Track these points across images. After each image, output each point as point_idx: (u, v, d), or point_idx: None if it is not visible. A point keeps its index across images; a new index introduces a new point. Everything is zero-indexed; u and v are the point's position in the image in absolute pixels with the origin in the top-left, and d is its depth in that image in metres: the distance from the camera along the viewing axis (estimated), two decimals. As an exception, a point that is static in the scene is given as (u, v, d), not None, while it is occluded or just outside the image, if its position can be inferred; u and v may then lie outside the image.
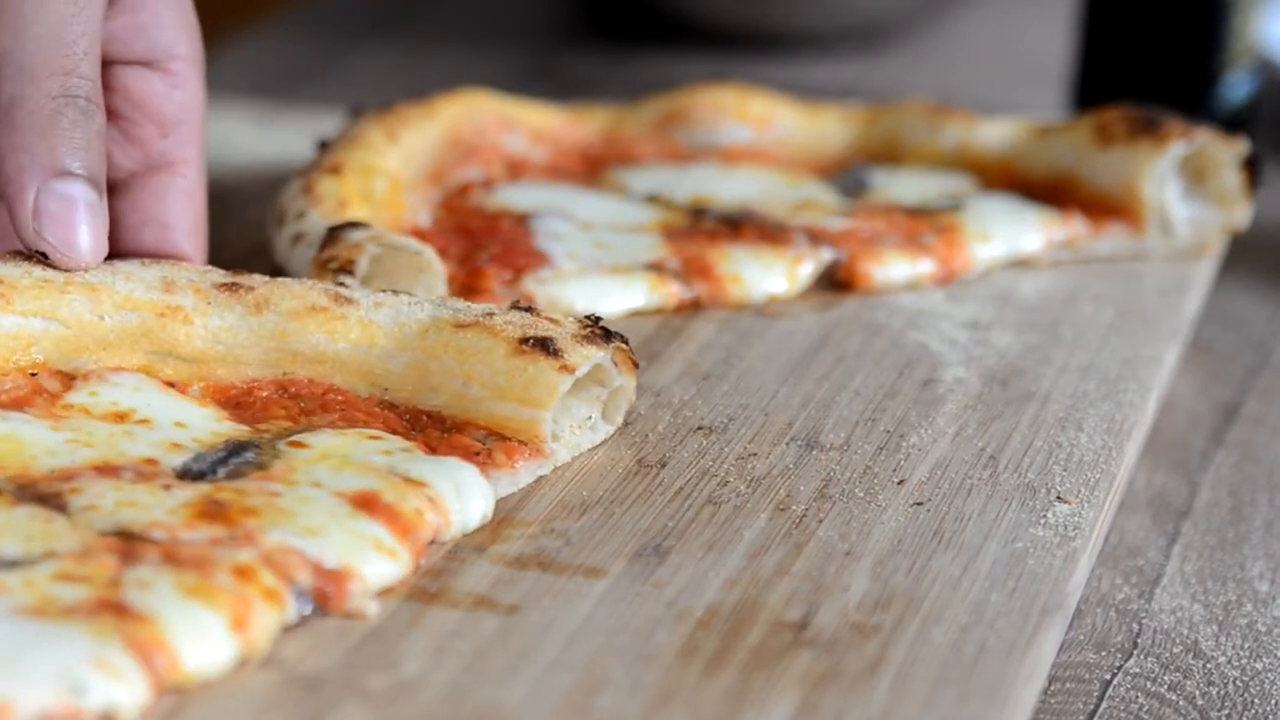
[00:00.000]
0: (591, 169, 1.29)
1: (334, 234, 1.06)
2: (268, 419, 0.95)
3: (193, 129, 1.03)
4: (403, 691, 0.79)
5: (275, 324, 0.97)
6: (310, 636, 0.82)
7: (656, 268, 1.15)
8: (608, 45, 1.77)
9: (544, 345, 0.95)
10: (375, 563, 0.85)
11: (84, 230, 0.94)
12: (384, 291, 0.99)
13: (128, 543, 0.83)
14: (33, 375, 0.93)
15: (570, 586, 0.86)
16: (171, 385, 0.95)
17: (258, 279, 0.98)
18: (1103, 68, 1.50)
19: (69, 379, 0.94)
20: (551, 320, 0.97)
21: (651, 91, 1.35)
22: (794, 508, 0.93)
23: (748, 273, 1.16)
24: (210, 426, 0.93)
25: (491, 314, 0.97)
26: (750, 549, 0.90)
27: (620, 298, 1.13)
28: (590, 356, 0.96)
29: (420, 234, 1.15)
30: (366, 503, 0.87)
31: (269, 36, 1.78)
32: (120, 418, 0.92)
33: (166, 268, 0.98)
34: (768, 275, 1.16)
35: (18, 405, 0.92)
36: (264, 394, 0.96)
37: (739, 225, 1.19)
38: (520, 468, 0.94)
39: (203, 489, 0.87)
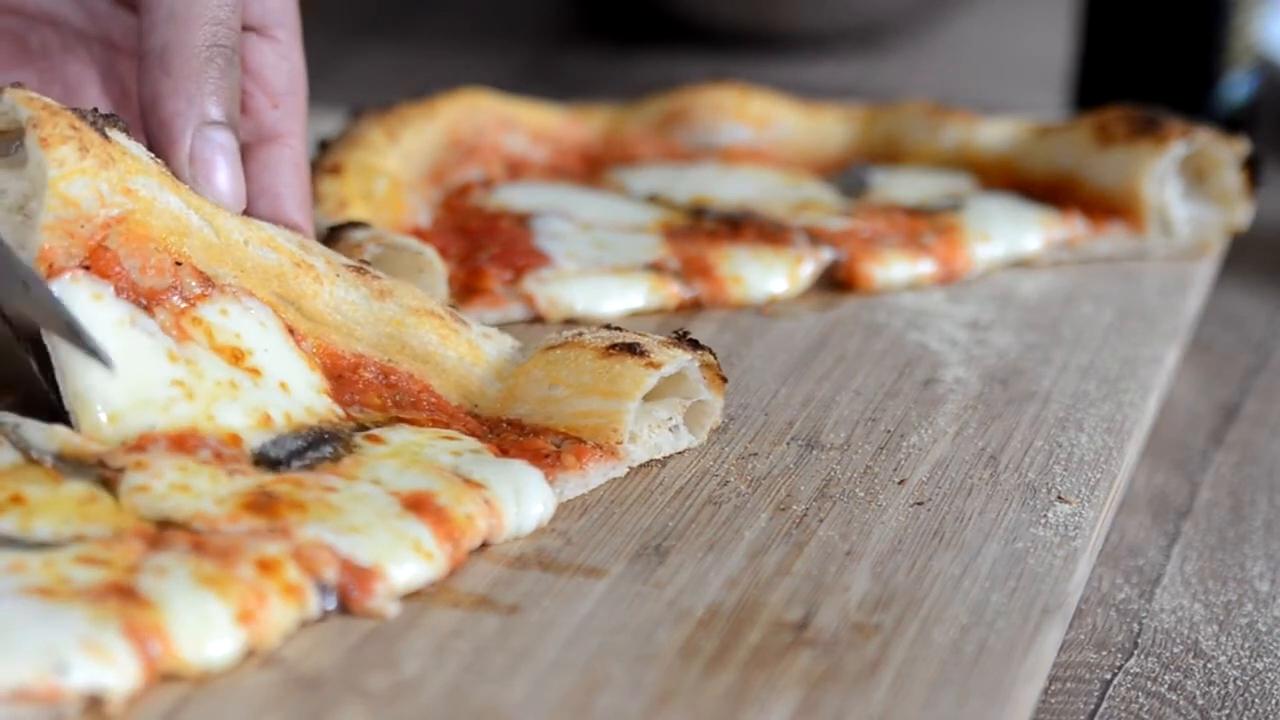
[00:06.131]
0: (591, 169, 1.29)
1: (334, 234, 1.06)
2: (363, 404, 0.95)
3: (299, 100, 1.05)
4: (403, 691, 0.79)
5: (395, 313, 0.98)
6: (310, 636, 0.82)
7: (656, 268, 1.15)
8: (608, 45, 1.77)
9: (631, 349, 0.96)
10: (408, 564, 0.85)
11: (229, 176, 0.97)
12: (494, 328, 1.01)
13: (161, 531, 0.83)
14: (177, 265, 0.93)
15: (570, 586, 0.86)
16: (291, 332, 0.96)
17: (384, 275, 1.00)
18: (1103, 68, 1.50)
19: (208, 282, 0.94)
20: (638, 334, 0.98)
21: (651, 91, 1.35)
22: (794, 508, 0.94)
23: (748, 273, 1.16)
24: (308, 399, 0.94)
25: (580, 333, 0.98)
26: (750, 549, 0.90)
27: (620, 298, 1.13)
28: (676, 358, 0.96)
29: (420, 234, 1.15)
30: (418, 504, 0.87)
31: (269, 36, 1.78)
32: (236, 357, 0.93)
33: (301, 236, 0.99)
34: (768, 275, 1.16)
35: (152, 299, 0.92)
36: (367, 375, 0.97)
37: (739, 225, 1.19)
38: (590, 469, 0.94)
39: (264, 479, 0.88)
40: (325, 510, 0.86)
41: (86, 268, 0.90)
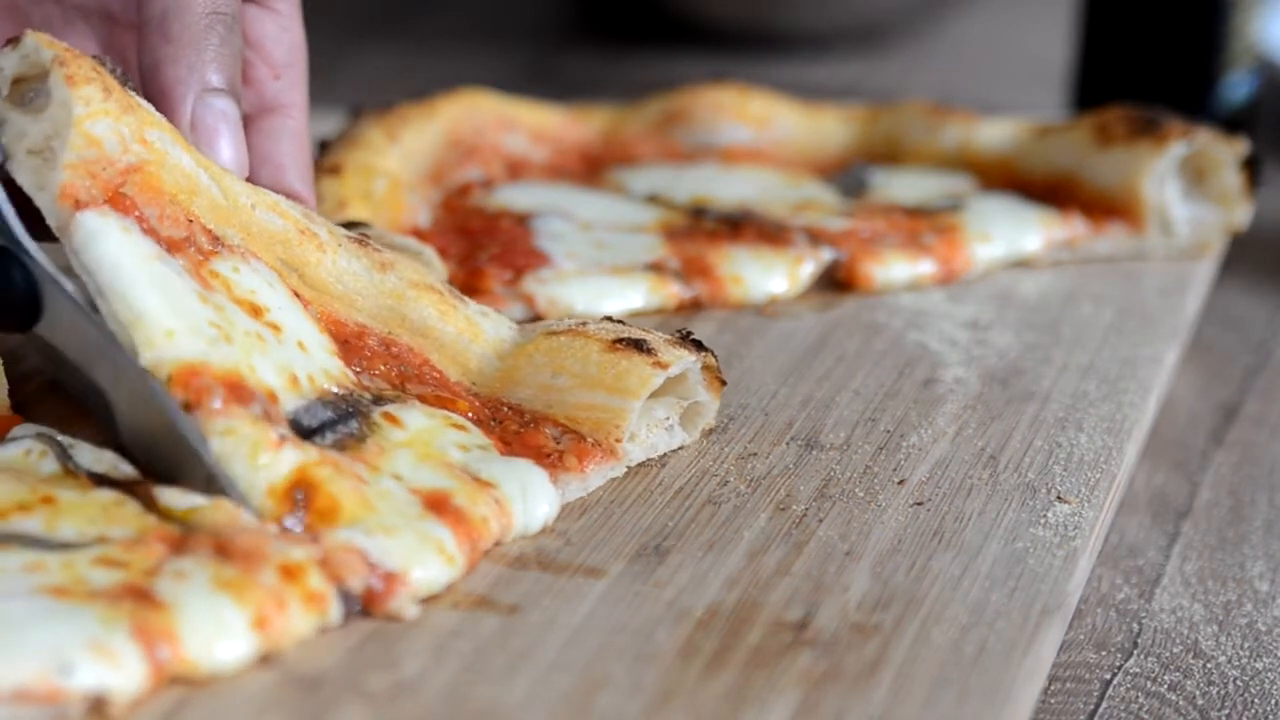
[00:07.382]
0: (591, 169, 1.29)
1: (334, 234, 1.06)
2: (370, 371, 0.95)
3: (300, 72, 1.05)
4: (403, 691, 0.79)
5: (395, 285, 0.98)
6: (310, 636, 0.82)
7: (656, 268, 1.15)
8: (608, 45, 1.77)
9: (637, 345, 0.96)
10: (432, 567, 0.85)
11: (231, 143, 0.97)
12: (490, 308, 1.01)
13: (185, 535, 0.83)
14: (189, 221, 0.93)
15: (570, 586, 0.86)
16: (296, 296, 0.96)
17: (385, 249, 1.00)
18: (1103, 68, 1.50)
19: (217, 241, 0.93)
20: (643, 330, 0.98)
21: (651, 91, 1.35)
22: (794, 508, 0.94)
23: (748, 273, 1.16)
24: (324, 361, 0.93)
25: (584, 323, 0.98)
26: (750, 549, 0.90)
27: (620, 298, 1.13)
28: (682, 358, 0.96)
29: (420, 234, 1.15)
30: (438, 504, 0.87)
31: (269, 36, 1.78)
32: (256, 312, 0.92)
33: (304, 206, 1.00)
34: (768, 275, 1.16)
35: (172, 247, 0.91)
36: (371, 343, 0.97)
37: (739, 225, 1.19)
38: (590, 471, 0.94)
39: (309, 456, 0.87)
40: (359, 508, 0.86)
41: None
